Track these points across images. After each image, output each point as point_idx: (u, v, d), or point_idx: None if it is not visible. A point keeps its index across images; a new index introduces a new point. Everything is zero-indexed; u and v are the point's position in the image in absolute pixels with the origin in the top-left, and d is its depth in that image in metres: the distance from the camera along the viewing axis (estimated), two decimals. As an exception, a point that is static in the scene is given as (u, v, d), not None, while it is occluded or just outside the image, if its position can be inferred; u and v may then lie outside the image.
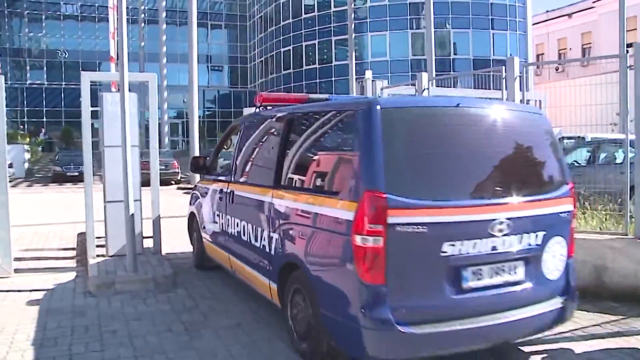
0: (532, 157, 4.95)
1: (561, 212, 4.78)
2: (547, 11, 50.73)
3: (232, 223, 6.48)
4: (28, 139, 44.28)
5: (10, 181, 32.21)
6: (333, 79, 49.87)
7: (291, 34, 54.83)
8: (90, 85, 8.32)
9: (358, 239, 4.08)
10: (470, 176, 4.51)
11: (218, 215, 7.04)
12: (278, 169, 5.44)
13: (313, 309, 4.62)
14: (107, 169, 8.29)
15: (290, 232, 5.04)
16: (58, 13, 61.48)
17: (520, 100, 7.24)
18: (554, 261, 4.70)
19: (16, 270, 7.94)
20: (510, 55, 45.78)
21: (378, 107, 4.31)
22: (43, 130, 53.49)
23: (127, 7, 7.58)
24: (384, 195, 4.04)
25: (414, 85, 8.85)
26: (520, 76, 7.23)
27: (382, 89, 9.41)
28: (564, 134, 16.89)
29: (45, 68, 60.90)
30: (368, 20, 48.47)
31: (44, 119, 57.43)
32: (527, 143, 4.93)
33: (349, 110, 4.66)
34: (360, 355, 4.26)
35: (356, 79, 9.77)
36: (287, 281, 5.07)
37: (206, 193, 7.65)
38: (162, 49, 33.60)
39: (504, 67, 7.55)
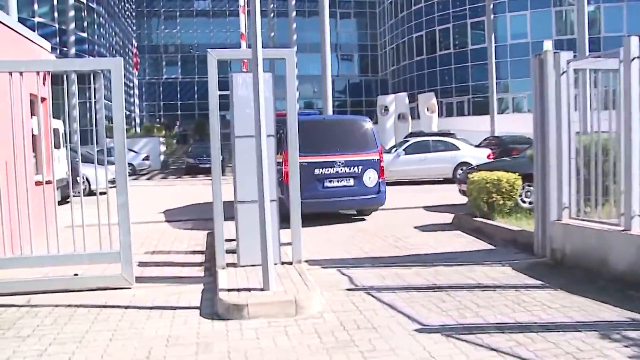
0: (357, 137, 11.91)
1: (372, 159, 11.69)
2: None
3: None
4: (164, 132, 45.51)
5: (146, 173, 32.94)
6: (469, 64, 47.21)
7: (423, 19, 52.61)
8: (220, 76, 7.05)
9: (284, 168, 8.90)
10: (327, 145, 11.51)
11: None
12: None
13: (284, 198, 8.92)
14: (237, 163, 7.12)
15: (278, 169, 8.99)
16: (191, 9, 63.45)
17: None
18: (370, 179, 11.60)
19: (138, 279, 6.88)
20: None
21: None
22: (177, 123, 55.09)
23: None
24: None
25: (604, 57, 6.98)
26: None
27: (568, 62, 7.52)
28: None
29: (179, 63, 62.97)
30: (507, -1, 45.27)
31: (179, 112, 59.38)
32: (355, 132, 12.02)
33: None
34: (288, 211, 7.89)
35: (536, 55, 7.91)
36: (283, 189, 9.35)
37: None
38: (292, 37, 32.80)
39: None
